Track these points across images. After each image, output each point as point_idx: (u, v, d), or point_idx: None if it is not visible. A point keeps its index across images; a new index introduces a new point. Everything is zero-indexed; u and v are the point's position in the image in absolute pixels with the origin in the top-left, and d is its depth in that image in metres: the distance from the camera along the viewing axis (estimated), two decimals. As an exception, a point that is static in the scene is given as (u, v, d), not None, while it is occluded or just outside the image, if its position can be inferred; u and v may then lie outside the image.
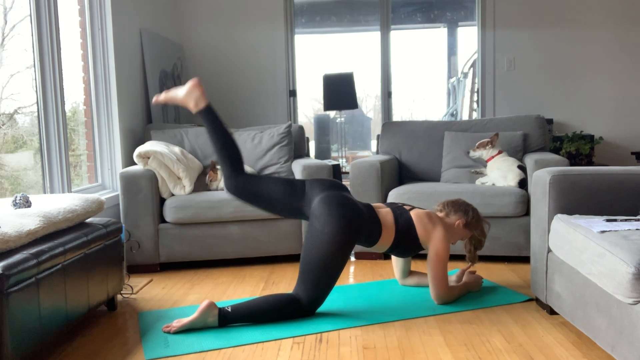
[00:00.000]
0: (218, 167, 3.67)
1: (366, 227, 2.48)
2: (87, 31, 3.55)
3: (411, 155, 3.93)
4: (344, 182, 4.63)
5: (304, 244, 2.43)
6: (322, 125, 6.17)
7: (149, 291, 2.96)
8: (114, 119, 3.65)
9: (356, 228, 2.42)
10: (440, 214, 2.71)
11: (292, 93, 5.18)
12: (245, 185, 2.52)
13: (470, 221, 2.69)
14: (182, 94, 2.52)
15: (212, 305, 2.33)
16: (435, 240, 2.56)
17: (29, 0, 2.92)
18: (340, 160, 5.42)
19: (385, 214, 2.59)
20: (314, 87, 5.97)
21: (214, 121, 2.50)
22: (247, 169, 2.68)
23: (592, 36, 4.93)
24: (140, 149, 3.37)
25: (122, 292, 2.80)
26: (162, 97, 2.57)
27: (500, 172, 3.43)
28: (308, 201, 2.49)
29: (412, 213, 2.61)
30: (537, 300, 2.57)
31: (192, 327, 2.31)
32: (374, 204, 2.66)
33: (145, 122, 4.12)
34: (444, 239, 2.56)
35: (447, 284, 2.59)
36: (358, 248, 3.48)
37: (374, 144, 6.23)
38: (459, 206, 2.72)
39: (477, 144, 3.60)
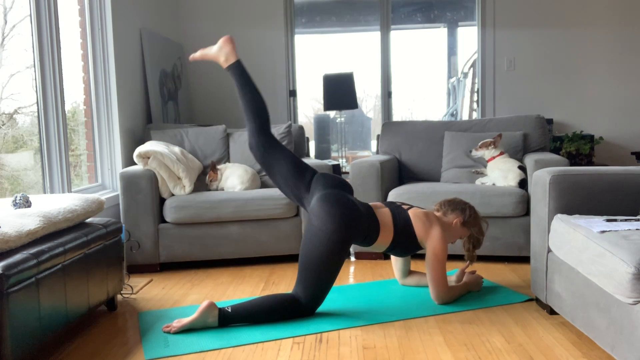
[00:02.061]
0: (218, 167, 3.67)
1: (363, 226, 2.48)
2: (87, 31, 3.55)
3: (411, 155, 3.92)
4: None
5: (302, 242, 2.43)
6: (322, 125, 6.17)
7: (149, 291, 2.96)
8: (114, 119, 3.65)
9: (353, 226, 2.42)
10: (438, 214, 2.71)
11: (292, 93, 5.18)
12: (263, 150, 2.58)
13: (467, 219, 2.69)
14: (215, 49, 2.63)
15: (212, 305, 2.33)
16: (432, 240, 2.56)
17: (29, 0, 2.92)
18: (340, 160, 5.42)
19: (384, 213, 2.59)
20: (314, 87, 5.97)
21: (243, 76, 2.58)
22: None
23: (592, 36, 4.93)
24: (140, 149, 3.37)
25: (122, 292, 2.80)
26: (198, 54, 2.69)
27: (500, 172, 3.43)
28: (310, 195, 2.51)
29: (410, 212, 2.61)
30: (537, 300, 2.57)
31: (192, 327, 2.31)
32: (372, 204, 2.66)
33: (145, 122, 4.12)
34: (441, 239, 2.56)
35: (446, 283, 2.59)
36: (358, 248, 3.48)
37: (374, 144, 6.23)
38: (455, 205, 2.72)
39: (479, 144, 3.59)
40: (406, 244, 2.59)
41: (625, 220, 2.11)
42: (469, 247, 2.72)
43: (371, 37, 5.58)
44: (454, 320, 2.40)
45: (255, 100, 2.59)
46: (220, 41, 2.62)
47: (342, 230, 2.37)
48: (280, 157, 2.58)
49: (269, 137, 2.60)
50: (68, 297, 2.10)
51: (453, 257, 3.04)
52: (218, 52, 2.62)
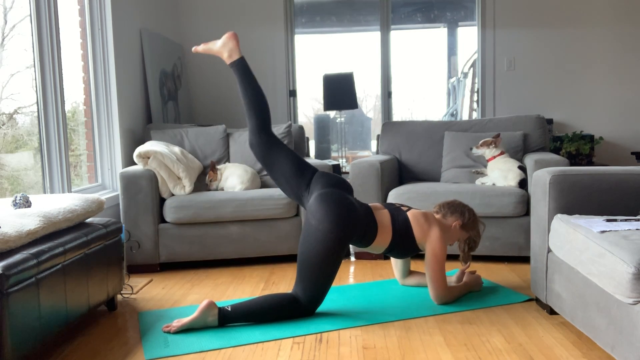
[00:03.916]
0: (218, 167, 3.67)
1: (361, 225, 2.48)
2: (87, 31, 3.55)
3: (411, 155, 3.92)
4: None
5: (300, 241, 2.43)
6: (322, 125, 6.16)
7: (149, 291, 2.96)
8: (114, 119, 3.65)
9: (350, 225, 2.42)
10: (437, 216, 2.70)
11: (292, 93, 5.18)
12: (264, 148, 2.58)
13: (466, 222, 2.68)
14: (218, 44, 2.61)
15: (212, 304, 2.33)
16: (432, 241, 2.56)
17: (29, 0, 2.92)
18: (340, 160, 5.42)
19: (382, 214, 2.59)
20: (314, 87, 5.97)
21: (246, 74, 2.57)
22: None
23: (592, 36, 4.93)
24: (140, 149, 3.37)
25: (122, 292, 2.80)
26: (201, 47, 2.66)
27: (500, 172, 3.43)
28: (309, 194, 2.50)
29: (409, 214, 2.61)
30: (537, 300, 2.57)
31: (192, 327, 2.31)
32: (372, 205, 2.66)
33: (145, 122, 4.12)
34: (440, 239, 2.56)
35: (445, 283, 2.58)
36: (358, 248, 3.48)
37: (374, 144, 6.23)
38: (455, 207, 2.72)
39: (480, 142, 3.59)
40: (404, 245, 2.59)
41: (625, 220, 2.11)
42: (465, 248, 2.72)
43: (371, 37, 5.58)
44: (454, 320, 2.40)
45: (257, 98, 2.58)
46: (225, 37, 2.60)
47: (339, 229, 2.37)
48: (281, 156, 2.58)
49: (270, 136, 2.60)
50: (68, 297, 2.10)
51: (453, 258, 3.04)
52: (222, 47, 2.60)
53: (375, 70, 5.35)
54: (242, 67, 2.57)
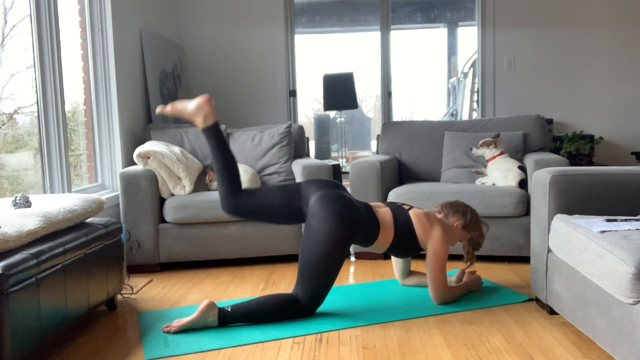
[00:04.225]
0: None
1: (363, 225, 2.48)
2: (87, 31, 3.55)
3: (411, 155, 3.92)
4: (343, 182, 4.64)
5: (302, 242, 2.43)
6: (322, 125, 6.17)
7: (149, 291, 2.96)
8: (114, 119, 3.65)
9: (352, 226, 2.42)
10: (439, 216, 2.70)
11: (292, 93, 5.18)
12: (242, 204, 2.50)
13: (468, 222, 2.68)
14: (192, 108, 2.46)
15: (212, 305, 2.33)
16: (433, 240, 2.56)
17: (29, 0, 2.92)
18: (340, 160, 5.42)
19: (384, 213, 2.59)
20: (314, 87, 5.98)
21: (220, 139, 2.48)
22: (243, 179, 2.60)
23: (592, 36, 4.93)
24: (140, 149, 3.37)
25: (122, 292, 2.80)
26: (169, 108, 2.48)
27: (500, 172, 3.43)
28: (305, 200, 2.49)
29: (411, 212, 2.61)
30: (537, 300, 2.57)
31: (192, 327, 2.32)
32: (373, 204, 2.66)
33: (145, 122, 4.12)
34: (442, 239, 2.56)
35: (445, 284, 2.58)
36: (358, 248, 3.48)
37: (374, 144, 6.24)
38: (457, 208, 2.72)
39: (480, 142, 3.59)
40: (406, 244, 2.59)
41: (625, 220, 2.11)
42: (469, 249, 2.72)
43: (371, 37, 5.58)
44: (454, 320, 2.40)
45: (229, 163, 2.49)
46: (200, 101, 2.45)
47: (341, 229, 2.37)
48: (262, 195, 2.53)
49: (242, 192, 2.52)
50: (68, 297, 2.10)
51: (453, 257, 3.04)
52: (196, 112, 2.44)
53: (375, 70, 5.36)
54: (216, 132, 2.47)
